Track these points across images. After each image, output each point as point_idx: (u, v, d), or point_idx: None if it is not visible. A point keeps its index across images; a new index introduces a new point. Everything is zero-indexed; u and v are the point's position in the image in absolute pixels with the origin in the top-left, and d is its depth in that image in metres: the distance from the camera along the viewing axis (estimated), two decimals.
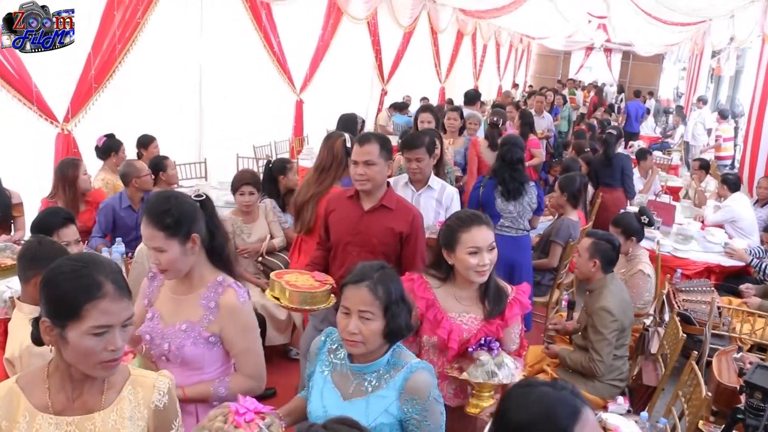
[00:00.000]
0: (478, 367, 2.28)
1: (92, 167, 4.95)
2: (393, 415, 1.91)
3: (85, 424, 1.56)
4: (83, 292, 1.48)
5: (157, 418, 1.64)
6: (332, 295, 2.73)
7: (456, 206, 3.81)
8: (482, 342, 2.34)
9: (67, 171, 4.27)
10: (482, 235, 2.32)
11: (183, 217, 2.05)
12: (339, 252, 3.05)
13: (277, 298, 2.70)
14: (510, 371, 2.30)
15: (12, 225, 4.47)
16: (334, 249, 3.08)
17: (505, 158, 4.51)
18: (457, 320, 2.39)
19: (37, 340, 1.60)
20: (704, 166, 7.72)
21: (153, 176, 4.54)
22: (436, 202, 3.79)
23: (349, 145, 3.63)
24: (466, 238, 2.31)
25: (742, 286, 4.65)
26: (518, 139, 4.85)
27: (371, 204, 2.97)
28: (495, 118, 6.20)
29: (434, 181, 3.86)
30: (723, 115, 11.54)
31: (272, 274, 2.78)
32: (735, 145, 12.01)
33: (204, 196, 2.20)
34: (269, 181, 4.73)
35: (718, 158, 11.00)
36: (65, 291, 1.48)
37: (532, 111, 8.77)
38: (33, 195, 4.58)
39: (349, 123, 5.24)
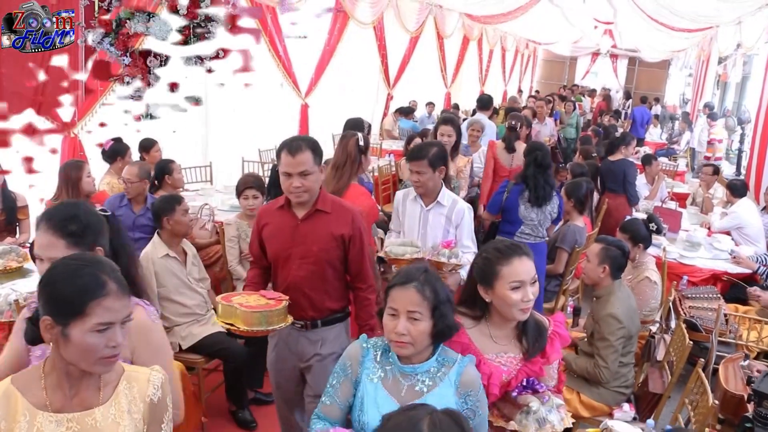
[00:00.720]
0: (527, 414, 2.09)
1: (99, 171, 4.95)
2: None
3: (86, 420, 1.57)
4: (89, 289, 1.51)
5: (151, 412, 1.66)
6: (288, 315, 2.59)
7: (467, 223, 3.50)
8: (525, 384, 2.16)
9: (71, 173, 4.27)
10: (525, 268, 2.13)
11: (89, 227, 1.87)
12: (279, 267, 2.81)
13: (231, 324, 2.49)
14: (561, 416, 2.13)
15: (17, 227, 4.48)
16: (273, 265, 2.85)
17: (543, 163, 4.56)
18: (495, 362, 2.19)
19: (31, 339, 1.60)
20: (716, 172, 7.68)
21: (155, 182, 4.55)
22: (446, 219, 3.48)
23: (362, 143, 3.62)
24: (507, 271, 2.10)
25: (750, 288, 4.62)
26: (545, 145, 4.92)
27: (305, 211, 2.74)
28: (513, 122, 6.19)
29: (445, 196, 3.50)
30: (713, 118, 11.52)
31: (219, 298, 2.59)
32: (741, 152, 11.98)
33: (109, 212, 2.04)
34: (276, 185, 4.72)
35: (714, 159, 11.05)
36: (70, 289, 1.51)
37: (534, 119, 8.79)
38: (39, 198, 4.58)
39: (356, 127, 5.22)
